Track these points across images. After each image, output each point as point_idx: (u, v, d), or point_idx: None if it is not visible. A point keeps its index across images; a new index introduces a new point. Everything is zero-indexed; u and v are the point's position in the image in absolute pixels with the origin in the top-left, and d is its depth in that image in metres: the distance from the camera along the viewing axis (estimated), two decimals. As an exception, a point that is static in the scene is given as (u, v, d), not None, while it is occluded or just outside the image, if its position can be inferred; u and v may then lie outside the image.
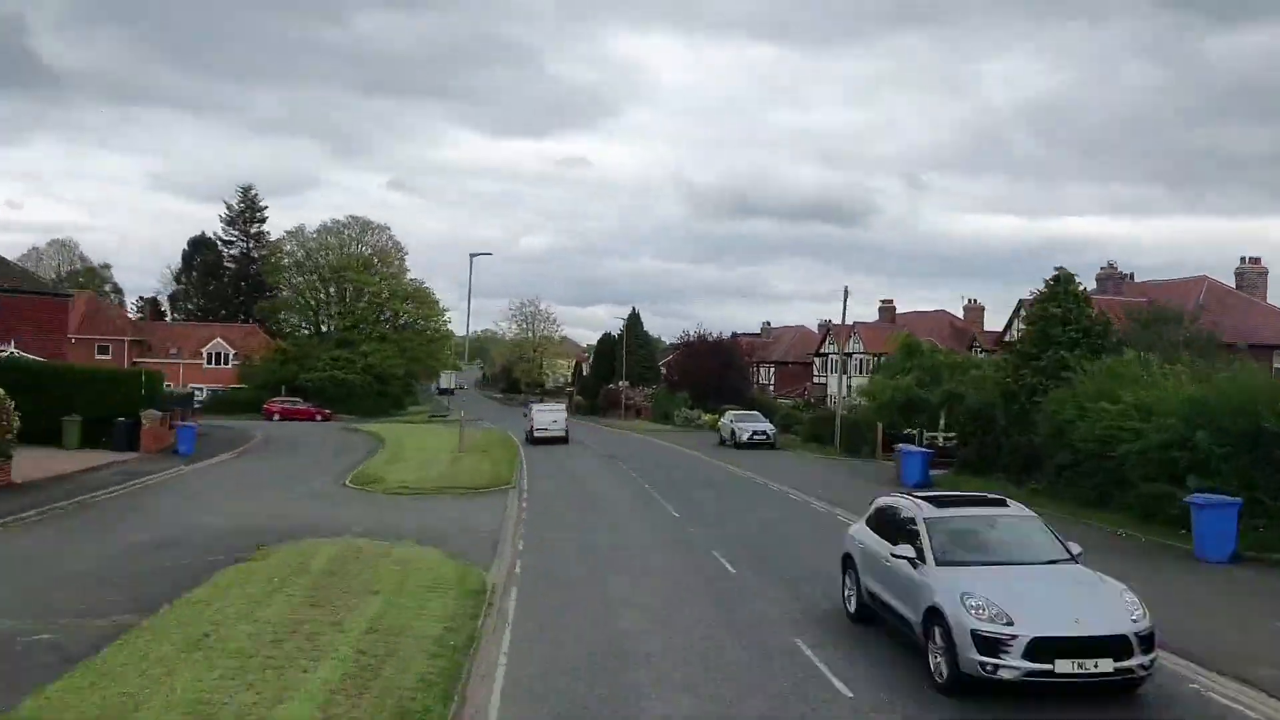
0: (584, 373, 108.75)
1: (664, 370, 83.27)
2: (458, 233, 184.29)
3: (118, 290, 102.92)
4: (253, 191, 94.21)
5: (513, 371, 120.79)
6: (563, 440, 44.88)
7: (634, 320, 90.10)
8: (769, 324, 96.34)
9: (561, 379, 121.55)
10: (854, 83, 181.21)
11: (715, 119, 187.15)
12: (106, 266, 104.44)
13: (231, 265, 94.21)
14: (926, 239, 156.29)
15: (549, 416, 47.07)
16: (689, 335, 75.52)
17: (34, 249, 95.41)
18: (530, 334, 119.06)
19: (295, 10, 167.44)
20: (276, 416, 64.74)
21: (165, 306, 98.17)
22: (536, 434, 45.16)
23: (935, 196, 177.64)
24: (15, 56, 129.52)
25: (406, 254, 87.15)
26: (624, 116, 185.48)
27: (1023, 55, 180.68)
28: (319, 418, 65.98)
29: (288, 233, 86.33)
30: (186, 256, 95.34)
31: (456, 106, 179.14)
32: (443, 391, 67.93)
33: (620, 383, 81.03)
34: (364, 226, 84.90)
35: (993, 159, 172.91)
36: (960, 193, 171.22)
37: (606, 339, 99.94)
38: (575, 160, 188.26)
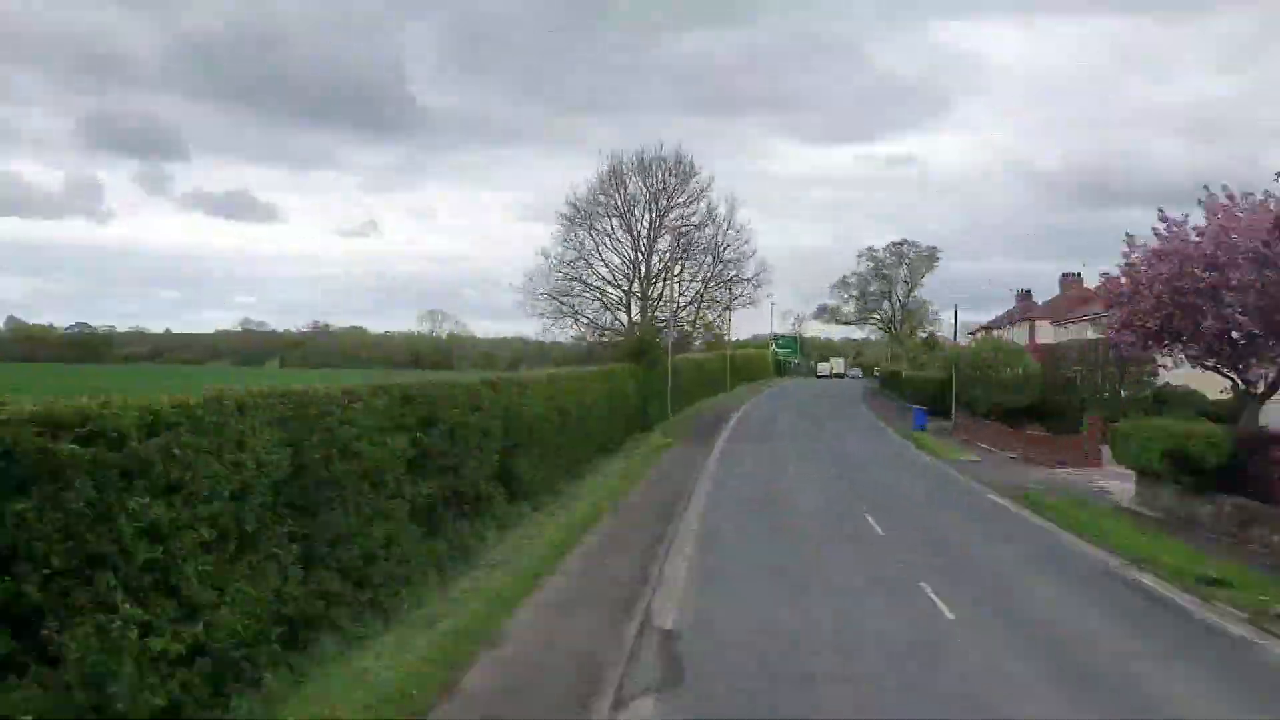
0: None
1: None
2: (788, 242, 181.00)
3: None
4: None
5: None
6: None
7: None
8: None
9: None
10: (1225, 44, 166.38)
11: (1058, 101, 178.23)
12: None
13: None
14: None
15: None
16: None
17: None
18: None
19: (614, 37, 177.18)
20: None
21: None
22: None
23: None
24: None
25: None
26: (955, 110, 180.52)
27: None
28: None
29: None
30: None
31: (777, 117, 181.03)
32: None
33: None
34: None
35: None
36: None
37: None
38: (903, 159, 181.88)
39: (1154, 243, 22.95)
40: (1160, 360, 30.18)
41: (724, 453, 35.44)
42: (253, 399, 9.15)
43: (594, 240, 56.81)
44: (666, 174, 56.84)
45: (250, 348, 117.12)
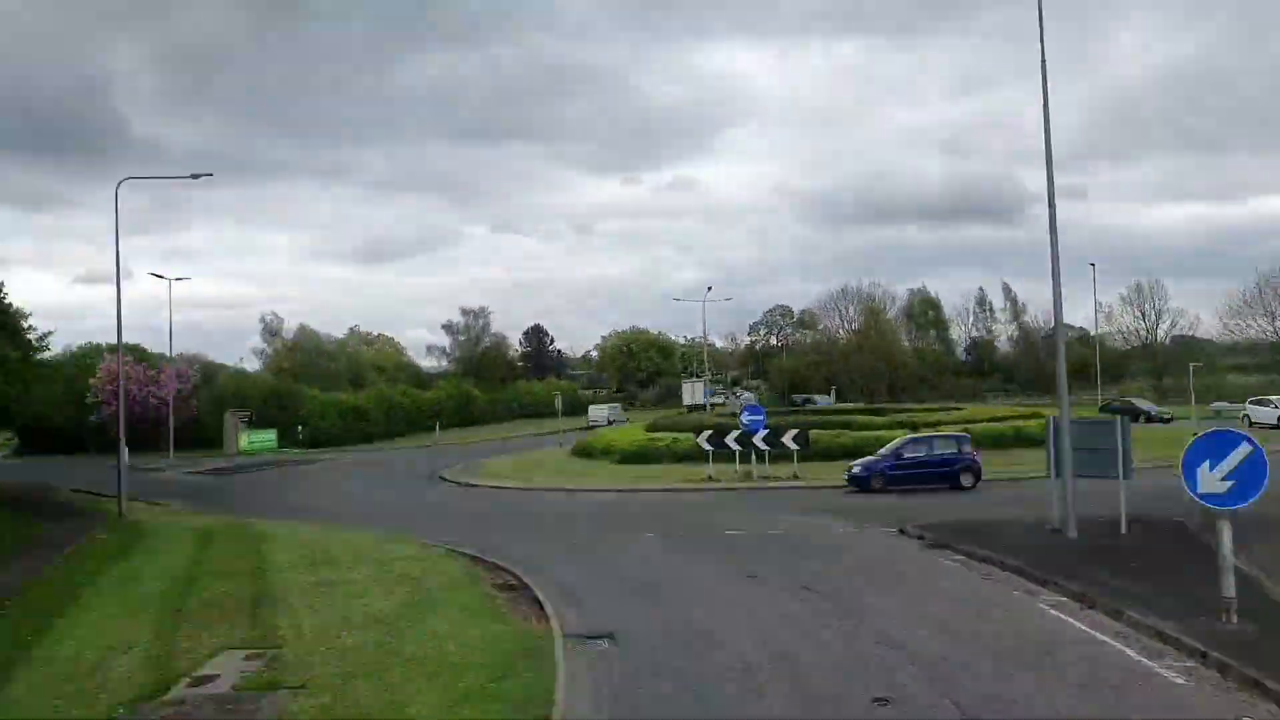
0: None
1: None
2: (580, 272, 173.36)
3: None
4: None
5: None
6: None
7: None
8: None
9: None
10: (963, 69, 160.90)
11: (820, 125, 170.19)
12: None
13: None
14: (1093, 233, 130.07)
15: None
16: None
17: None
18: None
19: (354, 59, 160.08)
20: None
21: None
22: None
23: (1090, 185, 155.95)
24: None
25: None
26: (726, 137, 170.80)
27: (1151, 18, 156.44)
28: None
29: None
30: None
31: (544, 145, 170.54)
32: None
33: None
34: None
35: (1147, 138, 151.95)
36: (1115, 180, 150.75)
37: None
38: (685, 184, 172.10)
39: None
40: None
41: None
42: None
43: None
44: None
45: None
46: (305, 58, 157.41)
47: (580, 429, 63.79)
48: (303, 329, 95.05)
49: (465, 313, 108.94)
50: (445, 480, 39.91)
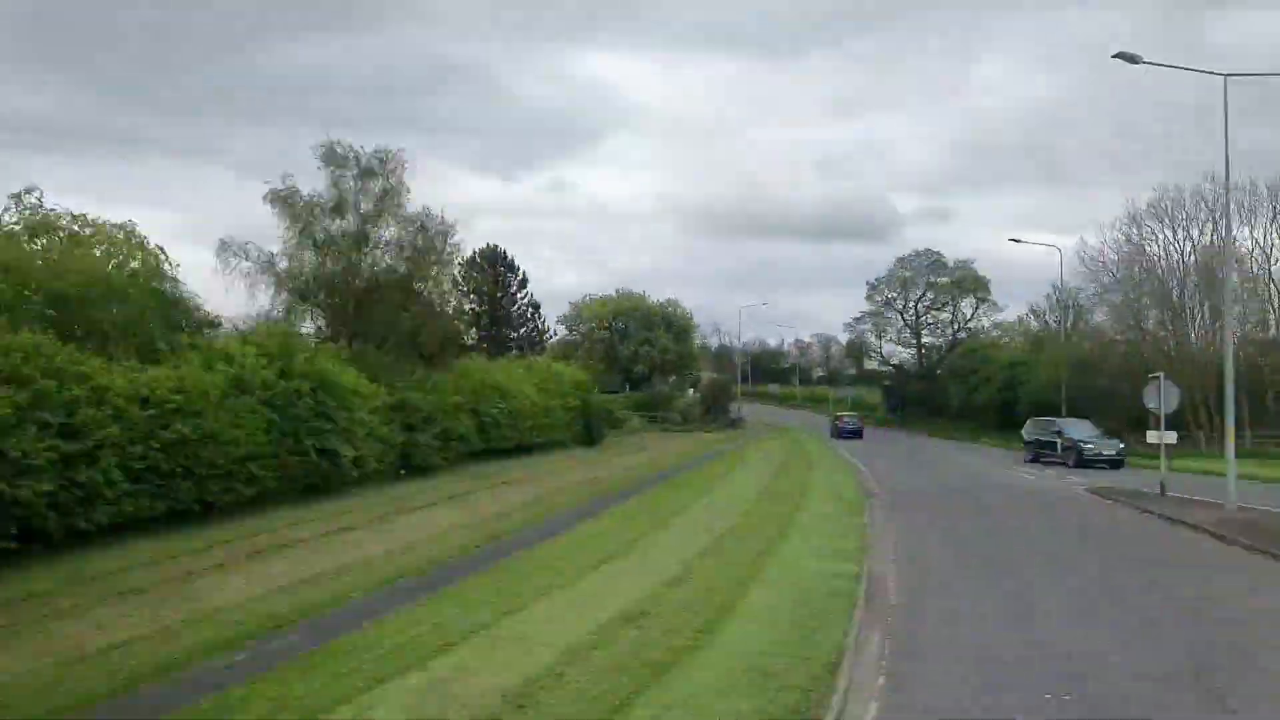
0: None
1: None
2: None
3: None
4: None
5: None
6: None
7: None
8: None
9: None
10: (836, 92, 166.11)
11: (701, 137, 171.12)
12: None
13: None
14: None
15: None
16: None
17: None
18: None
19: (220, 37, 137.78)
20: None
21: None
22: None
23: (956, 211, 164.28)
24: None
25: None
26: (608, 143, 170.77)
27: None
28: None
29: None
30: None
31: (423, 139, 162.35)
32: None
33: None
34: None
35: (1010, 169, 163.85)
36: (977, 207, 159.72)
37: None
38: (564, 186, 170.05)
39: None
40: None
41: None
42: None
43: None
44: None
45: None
46: (170, 34, 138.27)
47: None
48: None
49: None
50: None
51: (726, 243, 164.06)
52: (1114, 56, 21.56)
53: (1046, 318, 62.79)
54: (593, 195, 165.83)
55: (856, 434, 60.67)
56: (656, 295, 77.53)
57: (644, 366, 74.03)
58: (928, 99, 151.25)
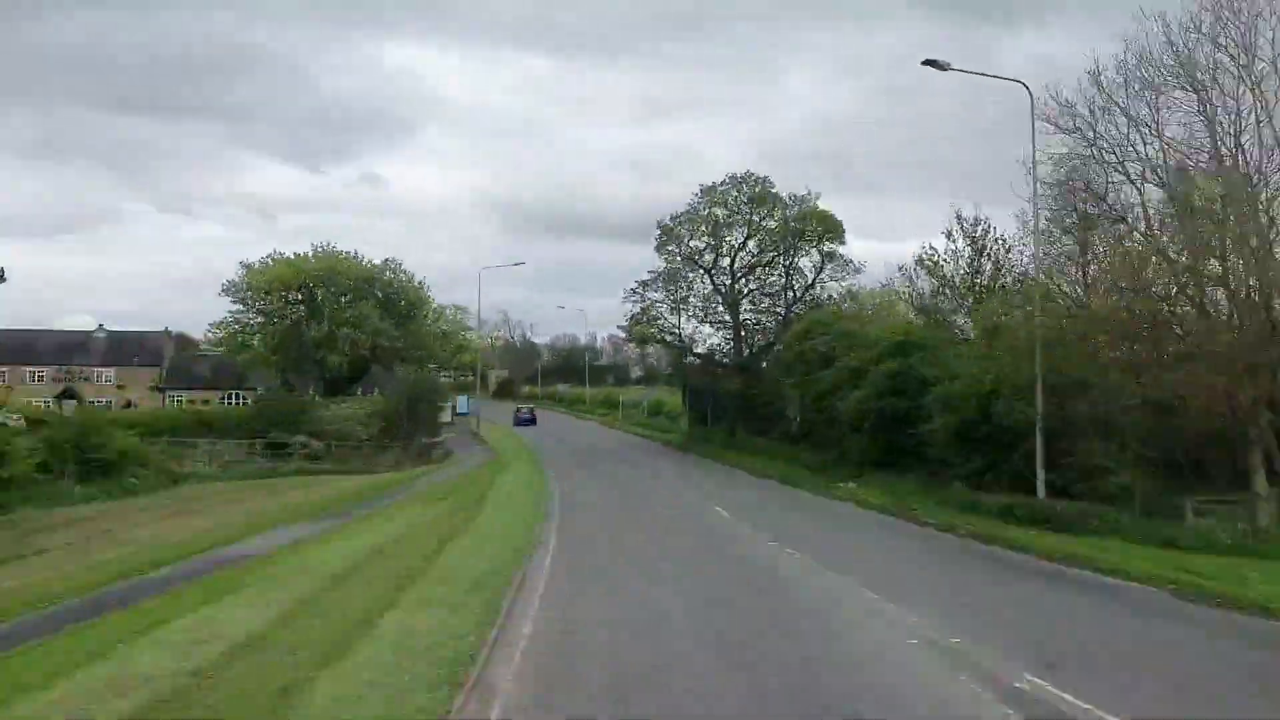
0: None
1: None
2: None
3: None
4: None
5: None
6: None
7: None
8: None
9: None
10: (645, 95, 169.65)
11: (516, 135, 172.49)
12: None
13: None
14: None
15: None
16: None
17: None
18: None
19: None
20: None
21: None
22: None
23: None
24: None
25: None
26: (419, 136, 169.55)
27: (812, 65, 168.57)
28: None
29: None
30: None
31: (225, 126, 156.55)
32: None
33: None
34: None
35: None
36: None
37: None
38: (374, 181, 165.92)
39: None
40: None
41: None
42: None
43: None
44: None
45: None
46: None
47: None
48: None
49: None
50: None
51: (543, 241, 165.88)
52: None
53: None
54: (406, 191, 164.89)
55: (530, 422, 69.92)
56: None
57: (340, 357, 50.72)
58: (735, 104, 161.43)
